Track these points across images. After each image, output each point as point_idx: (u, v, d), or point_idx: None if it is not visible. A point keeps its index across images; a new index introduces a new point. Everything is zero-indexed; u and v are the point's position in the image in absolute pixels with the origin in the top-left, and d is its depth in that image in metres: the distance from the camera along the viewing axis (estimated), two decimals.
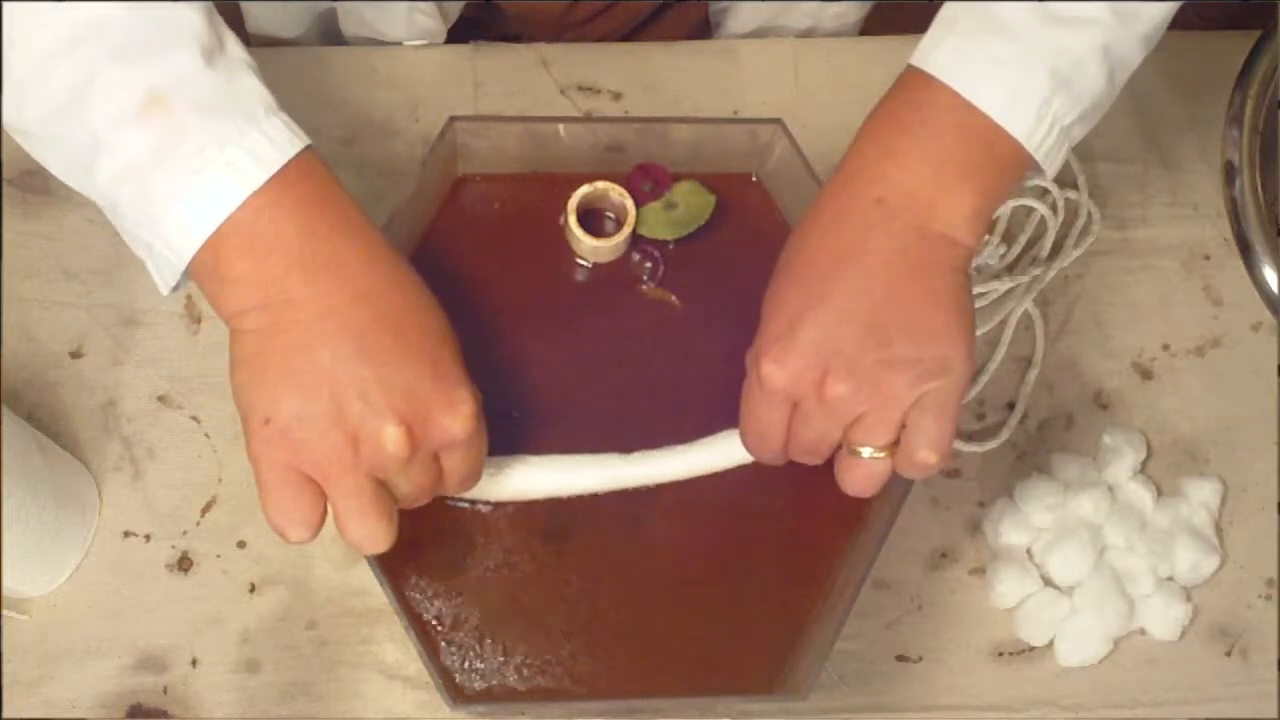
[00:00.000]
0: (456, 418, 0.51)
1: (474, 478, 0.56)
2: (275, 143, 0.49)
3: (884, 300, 0.53)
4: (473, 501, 0.61)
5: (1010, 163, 0.54)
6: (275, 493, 0.50)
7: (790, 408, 0.55)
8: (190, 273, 0.50)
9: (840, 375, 0.53)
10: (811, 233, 0.55)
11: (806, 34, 0.81)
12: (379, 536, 0.52)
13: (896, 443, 0.54)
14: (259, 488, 0.50)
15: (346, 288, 0.50)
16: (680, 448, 0.62)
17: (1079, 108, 0.54)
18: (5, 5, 0.47)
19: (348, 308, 0.50)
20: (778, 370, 0.54)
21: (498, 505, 0.61)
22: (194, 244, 0.48)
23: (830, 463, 0.58)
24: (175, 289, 0.51)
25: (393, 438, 0.49)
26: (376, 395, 0.49)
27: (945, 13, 0.55)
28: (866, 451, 0.55)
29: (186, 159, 0.48)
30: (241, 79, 0.50)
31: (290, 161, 0.49)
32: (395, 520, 0.52)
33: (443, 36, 0.78)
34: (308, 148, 0.50)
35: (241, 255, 0.49)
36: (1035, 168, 0.54)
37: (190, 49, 0.48)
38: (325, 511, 0.51)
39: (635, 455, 0.61)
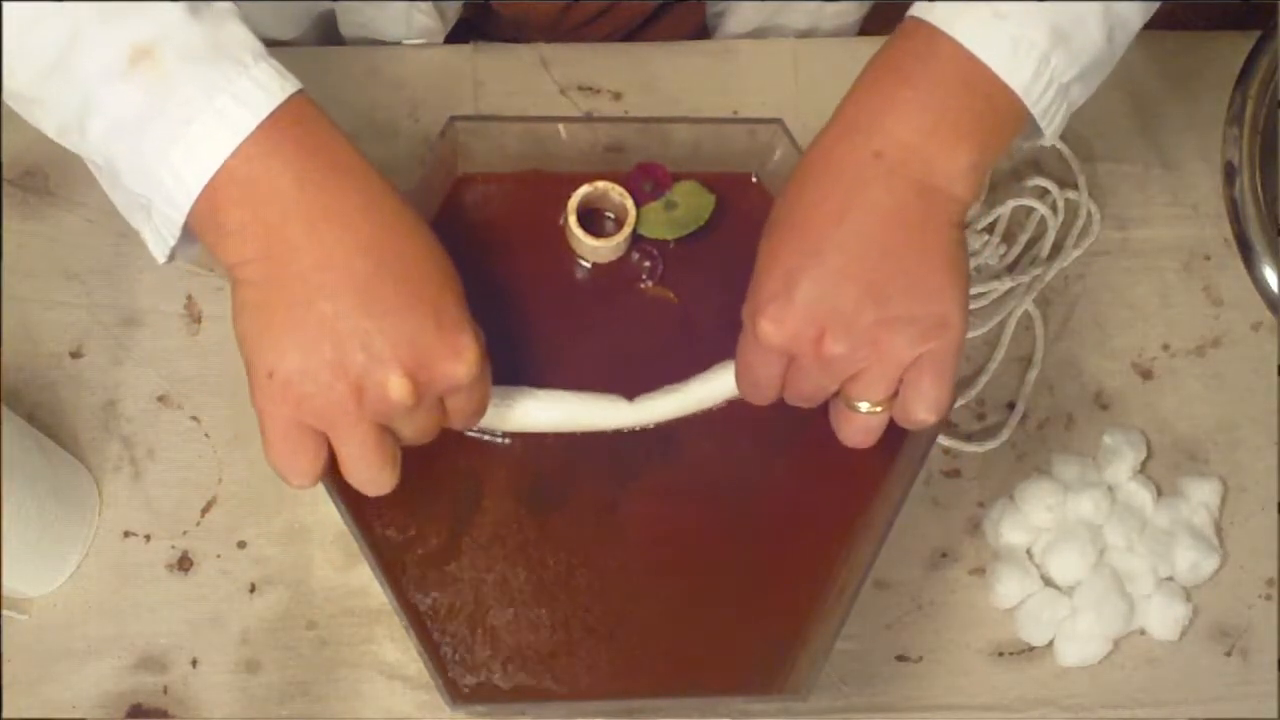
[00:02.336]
0: (460, 363, 0.51)
1: (479, 415, 0.56)
2: (265, 88, 0.49)
3: (882, 258, 0.53)
4: (479, 431, 0.61)
5: (1007, 117, 0.54)
6: (279, 443, 0.51)
7: (786, 362, 0.56)
8: (191, 227, 0.50)
9: (838, 334, 0.53)
10: (807, 186, 0.55)
11: (806, 34, 0.81)
12: (383, 480, 0.53)
13: (894, 395, 0.55)
14: (263, 437, 0.51)
15: (346, 237, 0.50)
16: (677, 386, 0.62)
17: (1077, 65, 0.53)
18: None
19: (348, 257, 0.50)
20: (775, 329, 0.54)
21: (497, 503, 0.61)
22: (190, 195, 0.48)
23: (833, 477, 0.58)
24: (171, 258, 0.51)
25: (397, 387, 0.50)
26: (379, 345, 0.49)
27: None
28: (864, 406, 0.55)
29: (176, 110, 0.48)
30: (228, 26, 0.49)
31: (281, 106, 0.49)
32: (399, 464, 0.53)
33: (441, 36, 0.78)
34: (300, 92, 0.50)
35: (238, 205, 0.49)
36: (1032, 127, 0.54)
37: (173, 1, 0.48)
38: (328, 460, 0.52)
39: (638, 399, 0.62)
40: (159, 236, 0.51)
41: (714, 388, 0.62)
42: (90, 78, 0.48)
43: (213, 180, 0.48)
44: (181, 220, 0.49)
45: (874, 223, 0.53)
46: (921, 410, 0.54)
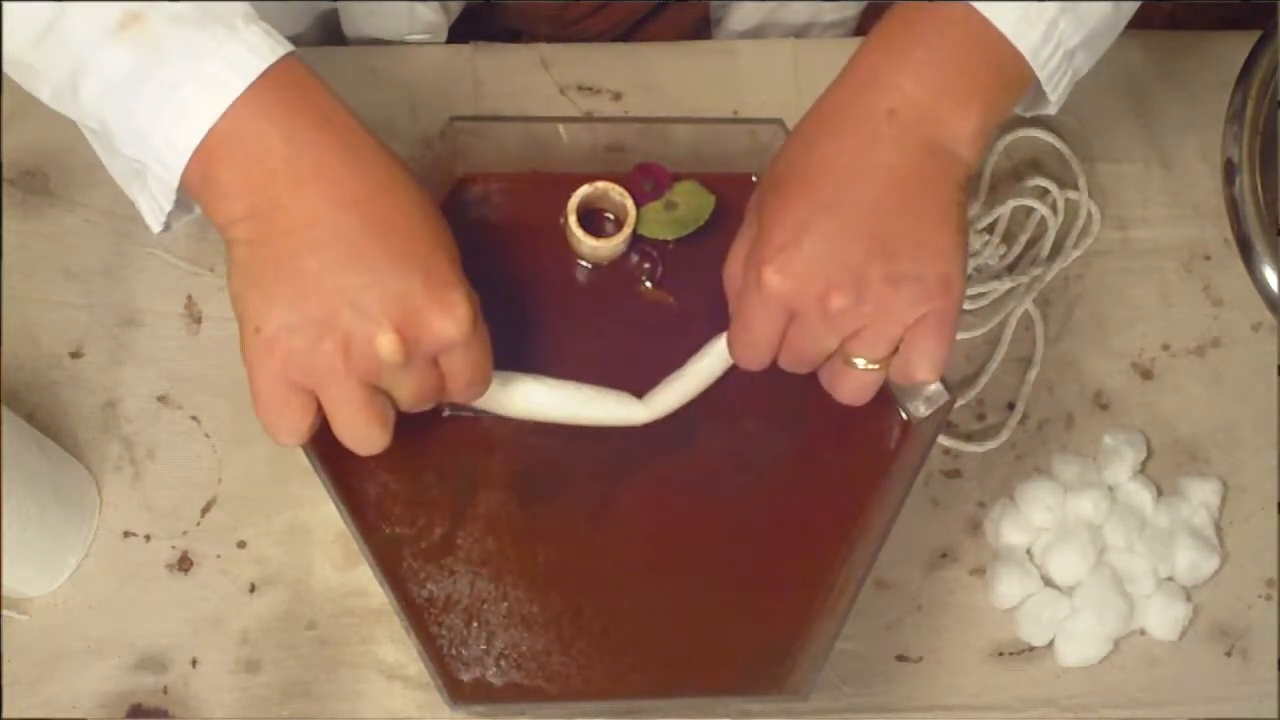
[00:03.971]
0: (450, 319, 0.51)
1: (479, 383, 0.55)
2: (255, 50, 0.49)
3: (891, 216, 0.53)
4: (478, 412, 0.60)
5: (1015, 81, 0.54)
6: (266, 400, 0.50)
7: (787, 317, 0.55)
8: (185, 190, 0.50)
9: (844, 288, 0.53)
10: (819, 139, 0.55)
11: (805, 30, 0.81)
12: (373, 439, 0.52)
13: (892, 353, 0.55)
14: (252, 393, 0.50)
15: (333, 194, 0.50)
16: (676, 375, 0.61)
17: (1084, 30, 0.54)
18: None
19: (335, 214, 0.50)
20: (781, 280, 0.53)
21: (497, 502, 0.61)
22: (182, 157, 0.48)
23: (833, 477, 0.58)
24: (167, 227, 0.51)
25: (385, 344, 0.49)
26: (366, 302, 0.49)
27: None
28: (861, 363, 0.55)
29: (166, 73, 0.48)
30: None
31: (272, 69, 0.49)
32: (390, 424, 0.52)
33: (445, 31, 0.78)
34: (291, 54, 0.50)
35: (228, 165, 0.49)
36: (1036, 93, 0.54)
37: None
38: (316, 418, 0.51)
39: (646, 397, 0.61)
40: (154, 203, 0.51)
41: (711, 363, 0.61)
42: (81, 41, 0.48)
43: (204, 142, 0.48)
44: (175, 183, 0.49)
45: (885, 180, 0.53)
46: (924, 368, 0.55)
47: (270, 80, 0.49)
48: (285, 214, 0.49)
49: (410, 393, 0.53)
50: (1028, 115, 0.59)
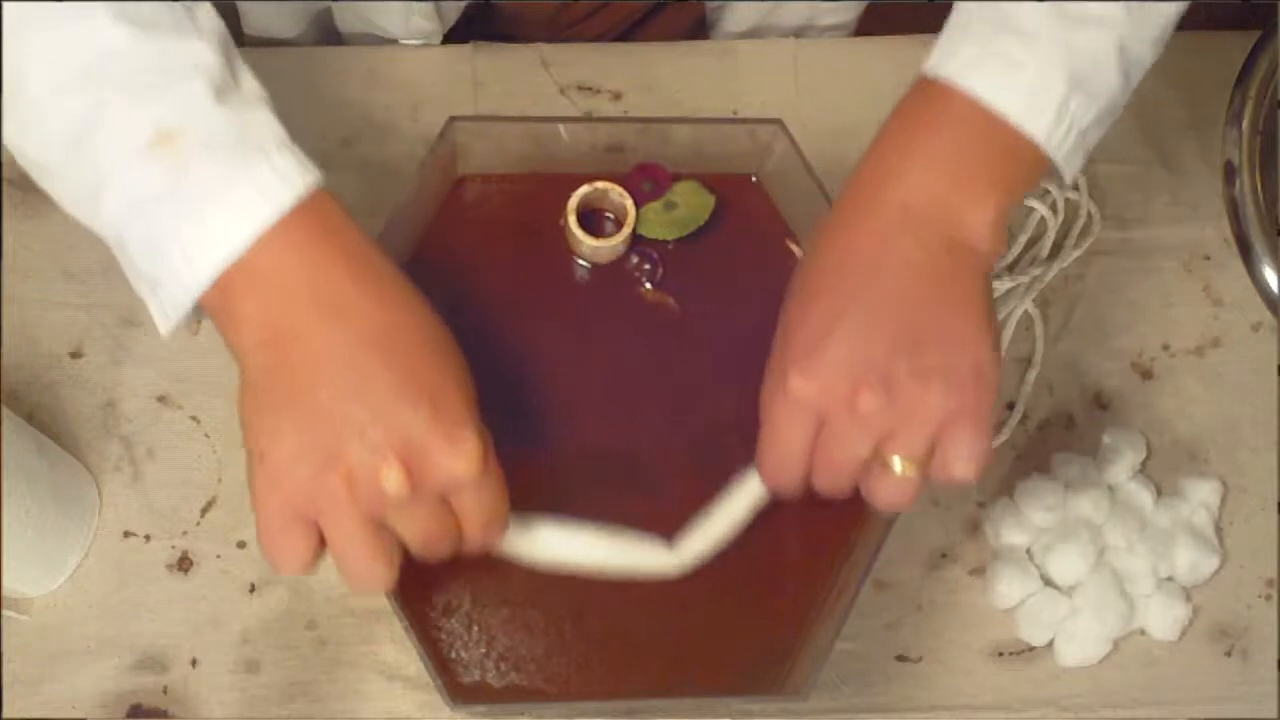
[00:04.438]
0: (458, 456, 0.49)
1: (495, 526, 0.53)
2: (285, 179, 0.48)
3: (914, 310, 0.52)
4: (505, 560, 0.58)
5: (1030, 166, 0.53)
6: (269, 528, 0.49)
7: (816, 425, 0.53)
8: (200, 306, 0.49)
9: (873, 387, 0.51)
10: (836, 241, 0.54)
11: (802, 31, 0.81)
12: (376, 577, 0.50)
13: (929, 453, 0.53)
14: (256, 520, 0.49)
15: (352, 327, 0.49)
16: (704, 516, 0.59)
17: (1095, 108, 0.53)
18: (13, 32, 0.46)
19: (351, 347, 0.49)
20: (807, 383, 0.52)
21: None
22: (202, 282, 0.48)
23: None
24: (175, 328, 0.51)
25: (389, 477, 0.48)
26: (374, 434, 0.48)
27: (958, 17, 0.54)
28: (898, 464, 0.53)
29: (195, 195, 0.47)
30: (253, 114, 0.49)
31: (300, 197, 0.48)
32: (395, 562, 0.51)
33: (439, 37, 0.78)
34: (319, 182, 0.50)
35: (249, 293, 0.48)
36: (1053, 170, 0.54)
37: (201, 84, 0.48)
38: (319, 549, 0.50)
39: (675, 541, 0.59)
40: (164, 313, 0.50)
41: (740, 501, 0.59)
42: (110, 155, 0.47)
43: (226, 269, 0.48)
44: (190, 304, 0.49)
45: (905, 275, 0.52)
46: (960, 466, 0.52)
47: (298, 210, 0.48)
48: (303, 345, 0.49)
49: (419, 533, 0.51)
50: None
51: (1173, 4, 0.54)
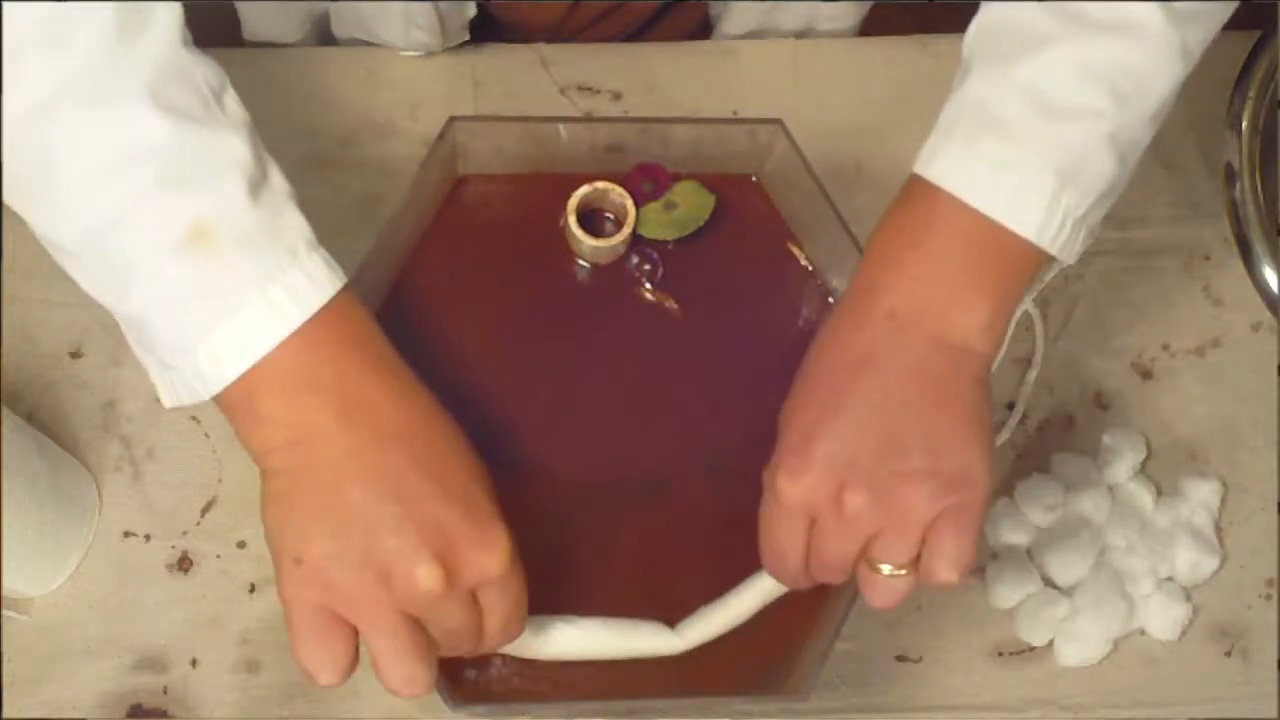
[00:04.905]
0: (491, 554, 0.50)
1: (516, 624, 0.53)
2: (315, 282, 0.48)
3: (900, 411, 0.52)
4: (516, 659, 0.59)
5: (1022, 262, 0.53)
6: (306, 634, 0.48)
7: (808, 523, 0.54)
8: (217, 402, 0.49)
9: (857, 488, 0.51)
10: (826, 347, 0.55)
11: (802, 34, 0.81)
12: (418, 678, 0.50)
13: (917, 557, 0.53)
14: (289, 629, 0.49)
15: (378, 427, 0.49)
16: (716, 604, 0.59)
17: (1091, 197, 0.52)
18: (51, 117, 0.46)
19: (379, 446, 0.49)
20: (792, 484, 0.52)
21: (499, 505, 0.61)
22: (224, 380, 0.48)
23: None
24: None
25: (426, 574, 0.48)
26: (409, 532, 0.48)
27: (945, 117, 0.54)
28: (886, 569, 0.53)
29: (226, 295, 0.47)
30: (284, 213, 0.49)
31: (328, 300, 0.49)
32: (434, 663, 0.50)
33: (439, 50, 0.77)
34: (346, 284, 0.50)
35: (274, 394, 0.48)
36: (1054, 259, 0.53)
37: (237, 180, 0.47)
38: (357, 654, 0.49)
39: (680, 626, 0.59)
40: (172, 393, 0.50)
41: (751, 596, 0.59)
42: (142, 248, 0.47)
43: (251, 368, 0.47)
44: (207, 397, 0.49)
45: (892, 377, 0.52)
46: (943, 569, 0.52)
47: (325, 312, 0.48)
48: (328, 445, 0.48)
49: (449, 629, 0.51)
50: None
51: (1163, 82, 0.53)
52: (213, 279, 0.47)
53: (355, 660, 0.49)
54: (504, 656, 0.59)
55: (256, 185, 0.48)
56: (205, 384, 0.48)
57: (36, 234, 0.49)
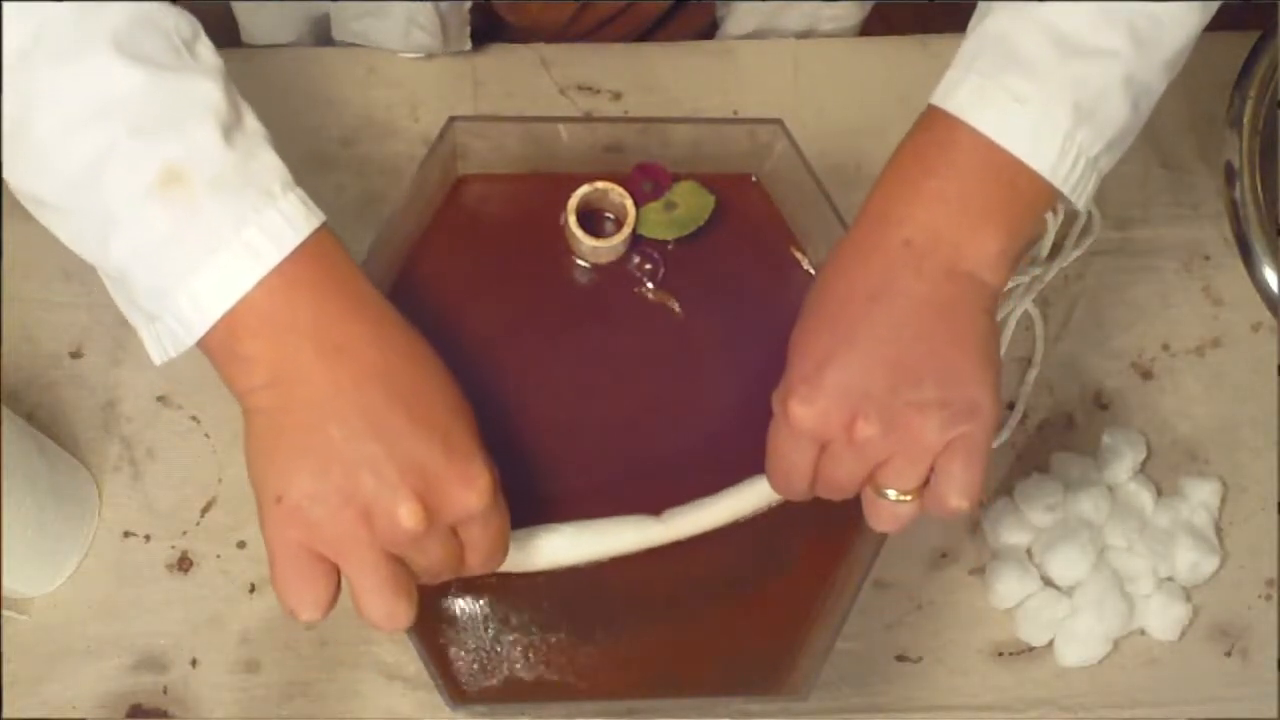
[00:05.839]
0: (471, 491, 0.50)
1: (498, 554, 0.54)
2: (291, 222, 0.49)
3: (913, 342, 0.52)
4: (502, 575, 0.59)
5: (1035, 198, 0.53)
6: (287, 572, 0.49)
7: (817, 448, 0.54)
8: (200, 346, 0.49)
9: (869, 417, 0.52)
10: (839, 274, 0.55)
11: (804, 35, 0.81)
12: (398, 614, 0.50)
13: (924, 484, 0.54)
14: (271, 566, 0.49)
15: (358, 366, 0.49)
16: (709, 499, 0.60)
17: (1104, 139, 0.53)
18: (21, 72, 0.46)
19: (359, 385, 0.49)
20: (806, 411, 0.53)
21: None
22: (206, 322, 0.48)
23: None
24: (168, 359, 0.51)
25: (407, 513, 0.49)
26: (389, 471, 0.49)
27: (965, 50, 0.54)
28: (893, 494, 0.54)
29: (203, 237, 0.47)
30: (259, 154, 0.49)
31: (305, 240, 0.49)
32: (415, 597, 0.51)
33: (438, 51, 0.77)
34: (323, 224, 0.50)
35: (254, 335, 0.48)
36: (1064, 199, 0.54)
37: (209, 124, 0.48)
38: (338, 591, 0.50)
39: (666, 514, 0.60)
40: (159, 346, 0.50)
41: (747, 499, 0.60)
42: (118, 195, 0.47)
43: (231, 309, 0.48)
44: (192, 343, 0.49)
45: (905, 308, 0.52)
46: (954, 496, 0.53)
47: (303, 252, 0.49)
48: (309, 384, 0.49)
49: (429, 564, 0.52)
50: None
51: (1180, 30, 0.54)
52: (189, 223, 0.47)
53: (336, 597, 0.50)
54: (502, 657, 0.59)
55: (230, 129, 0.48)
56: (188, 329, 0.49)
57: (18, 191, 0.50)
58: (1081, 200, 0.54)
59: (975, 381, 0.53)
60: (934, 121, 0.54)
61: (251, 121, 0.50)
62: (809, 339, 0.55)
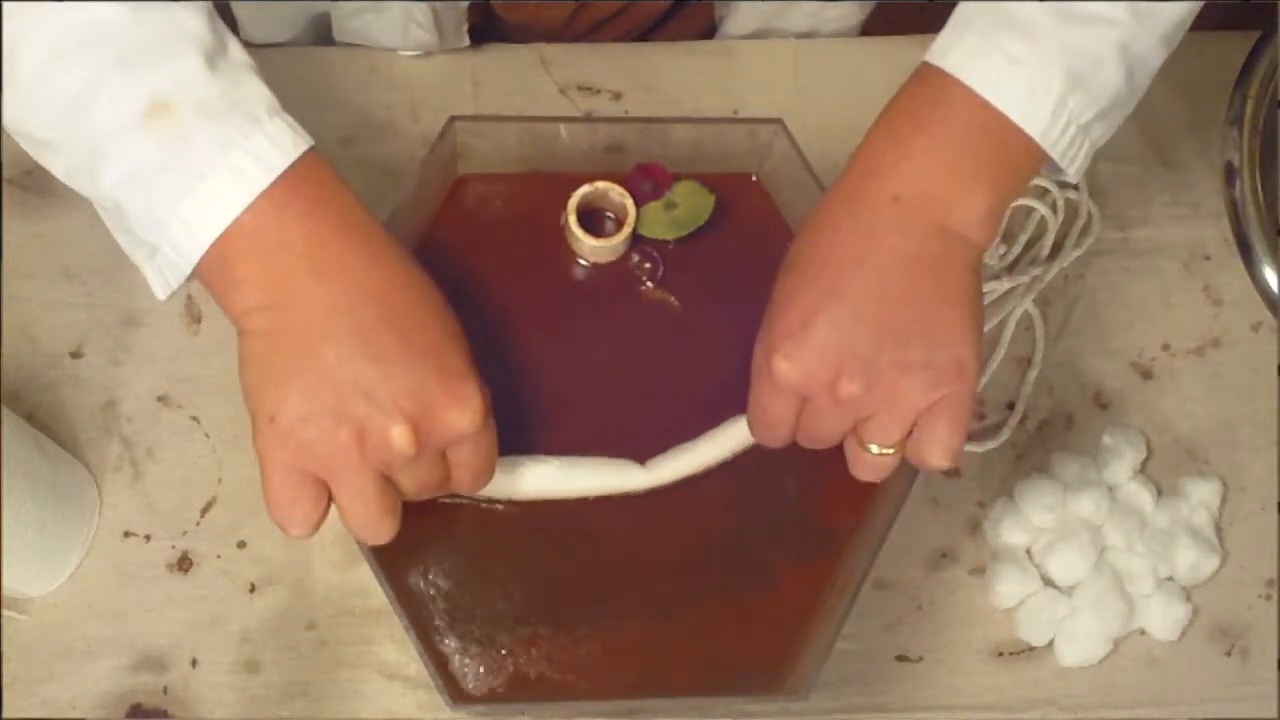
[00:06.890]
0: (463, 413, 0.51)
1: (485, 474, 0.55)
2: (278, 145, 0.49)
3: (900, 301, 0.53)
4: (488, 500, 0.60)
5: (1025, 161, 0.54)
6: (279, 490, 0.50)
7: (800, 402, 0.55)
8: (196, 273, 0.50)
9: (854, 375, 0.52)
10: (825, 228, 0.55)
11: (806, 36, 0.81)
12: (382, 529, 0.52)
13: (906, 437, 0.54)
14: (263, 484, 0.50)
15: (351, 288, 0.50)
16: (688, 445, 0.61)
17: (1096, 106, 0.53)
18: (7, 8, 0.47)
19: (352, 307, 0.50)
20: (790, 366, 0.53)
21: (498, 503, 0.61)
22: (200, 247, 0.49)
23: (833, 477, 0.58)
24: (170, 294, 0.51)
25: (399, 435, 0.49)
26: (381, 393, 0.49)
27: (961, 11, 0.54)
28: (875, 448, 0.55)
29: (191, 164, 0.48)
30: (244, 81, 0.50)
31: (294, 163, 0.49)
32: (398, 513, 0.52)
33: (438, 51, 0.77)
34: (311, 148, 0.51)
35: (246, 258, 0.49)
36: (1054, 167, 0.54)
37: (193, 52, 0.48)
38: (327, 509, 0.51)
39: (650, 462, 0.61)
40: (162, 279, 0.51)
41: (726, 442, 0.61)
42: (106, 126, 0.48)
43: (224, 233, 0.48)
44: (189, 270, 0.50)
45: (892, 265, 0.53)
46: (935, 454, 0.54)
47: (292, 175, 0.49)
48: (302, 306, 0.49)
49: (417, 483, 0.53)
50: (1050, 179, 0.58)
51: (1178, 4, 0.54)
52: (177, 150, 0.48)
53: (325, 515, 0.51)
54: (502, 657, 0.59)
55: (214, 57, 0.49)
56: (184, 256, 0.49)
57: (15, 132, 0.51)
58: (1073, 168, 0.55)
59: (960, 342, 0.53)
60: (927, 78, 0.54)
61: (236, 50, 0.51)
62: (793, 293, 0.55)
